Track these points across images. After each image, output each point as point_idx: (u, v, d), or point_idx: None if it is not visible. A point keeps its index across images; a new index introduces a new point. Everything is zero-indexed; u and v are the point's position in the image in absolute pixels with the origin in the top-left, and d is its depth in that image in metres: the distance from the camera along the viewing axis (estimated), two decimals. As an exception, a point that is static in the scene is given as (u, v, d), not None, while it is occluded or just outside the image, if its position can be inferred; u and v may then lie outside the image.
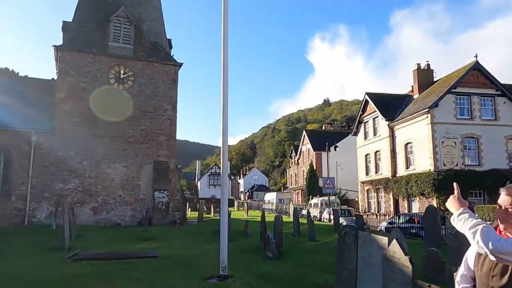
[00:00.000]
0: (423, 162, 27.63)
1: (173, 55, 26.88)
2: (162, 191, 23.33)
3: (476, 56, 28.89)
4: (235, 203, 63.36)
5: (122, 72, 24.27)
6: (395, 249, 5.65)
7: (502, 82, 29.15)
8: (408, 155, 29.91)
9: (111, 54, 24.24)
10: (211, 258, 10.51)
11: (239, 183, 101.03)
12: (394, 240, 5.83)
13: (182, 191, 29.98)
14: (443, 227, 15.57)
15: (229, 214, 15.97)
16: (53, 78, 26.99)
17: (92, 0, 25.21)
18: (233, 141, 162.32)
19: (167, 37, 27.84)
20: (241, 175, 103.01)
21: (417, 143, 28.65)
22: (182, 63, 25.98)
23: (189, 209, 42.23)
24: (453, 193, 2.59)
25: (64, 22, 25.08)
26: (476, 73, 28.61)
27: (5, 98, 22.60)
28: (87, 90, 23.27)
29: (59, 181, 22.16)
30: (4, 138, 21.48)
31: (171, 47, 27.86)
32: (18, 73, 46.65)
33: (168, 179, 24.17)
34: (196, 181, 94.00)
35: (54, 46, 23.54)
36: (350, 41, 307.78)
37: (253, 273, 9.58)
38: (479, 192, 26.44)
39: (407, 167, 29.75)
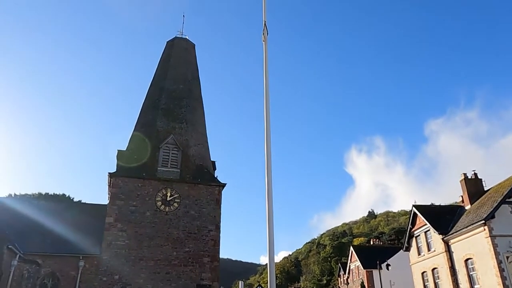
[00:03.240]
0: (489, 281, 24.86)
1: (217, 176, 27.96)
2: (204, 319, 22.06)
3: (526, 163, 27.88)
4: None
5: (168, 194, 25.27)
6: None
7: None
8: (470, 273, 27.16)
9: (159, 178, 25.60)
10: None
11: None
12: None
13: (225, 318, 28.18)
14: None
15: None
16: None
17: (145, 130, 27.75)
18: (276, 258, 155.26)
19: (212, 159, 29.34)
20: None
21: (478, 259, 26.21)
22: (225, 184, 26.85)
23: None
24: None
25: (118, 151, 27.34)
26: (530, 181, 27.25)
27: (58, 224, 23.79)
28: (135, 213, 24.13)
29: (101, 309, 21.67)
30: (54, 264, 22.00)
31: (215, 169, 29.12)
32: (73, 198, 49.84)
33: (211, 304, 23.03)
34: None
35: (109, 173, 25.31)
36: (388, 152, 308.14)
37: None
38: None
39: (472, 287, 26.81)
